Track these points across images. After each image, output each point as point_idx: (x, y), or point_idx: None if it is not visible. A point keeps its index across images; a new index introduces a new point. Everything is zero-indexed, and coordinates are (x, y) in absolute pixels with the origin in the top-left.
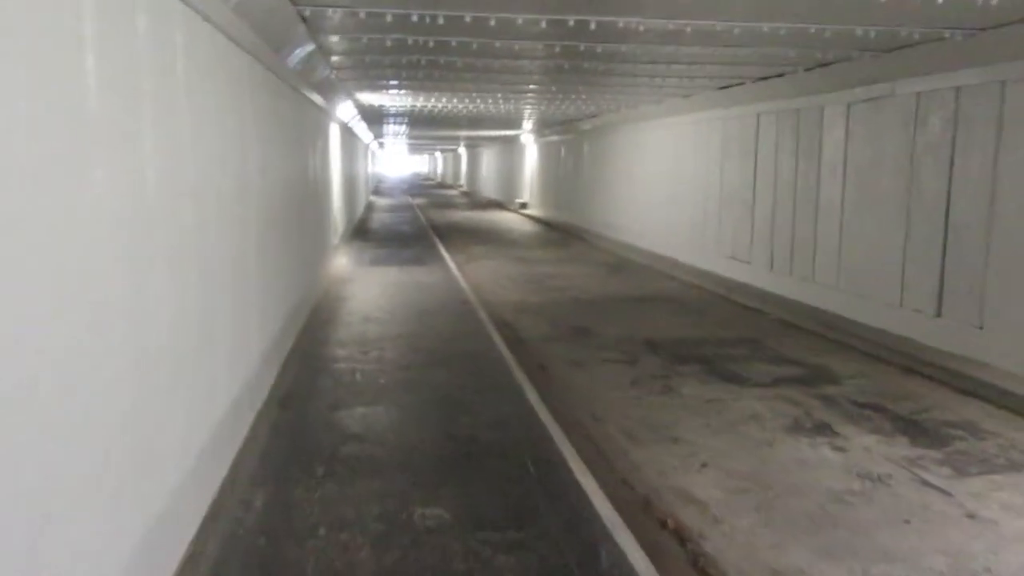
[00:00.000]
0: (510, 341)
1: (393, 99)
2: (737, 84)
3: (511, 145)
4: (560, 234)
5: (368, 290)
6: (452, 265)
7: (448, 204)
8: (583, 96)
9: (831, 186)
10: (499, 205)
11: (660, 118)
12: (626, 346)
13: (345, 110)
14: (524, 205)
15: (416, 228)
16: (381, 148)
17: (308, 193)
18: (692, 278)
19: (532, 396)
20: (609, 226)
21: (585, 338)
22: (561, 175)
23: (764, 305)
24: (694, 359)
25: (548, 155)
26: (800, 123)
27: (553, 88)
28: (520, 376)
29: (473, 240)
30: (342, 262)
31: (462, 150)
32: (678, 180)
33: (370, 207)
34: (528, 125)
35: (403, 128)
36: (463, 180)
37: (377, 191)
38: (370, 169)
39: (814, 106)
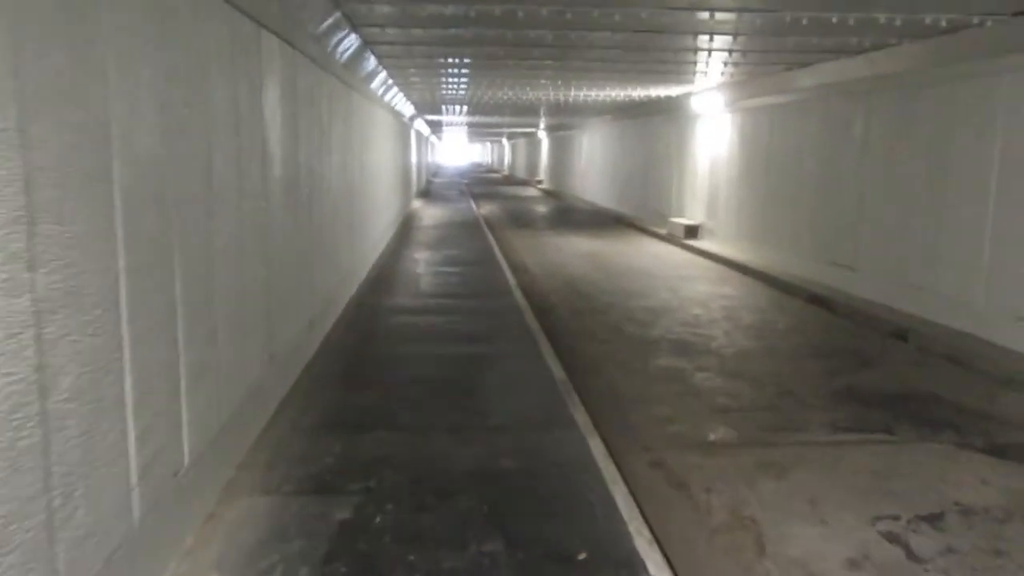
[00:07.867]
0: None
1: None
2: None
3: (659, 119)
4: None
5: None
6: None
7: (537, 221)
8: None
9: None
10: (625, 222)
11: None
12: None
13: None
14: (693, 231)
15: (503, 330)
16: (437, 137)
17: None
18: None
19: None
20: None
21: None
22: (841, 178)
23: None
24: None
25: (773, 133)
26: None
27: None
28: None
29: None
30: None
31: (542, 134)
32: None
33: (407, 226)
34: (714, 75)
35: (463, 89)
36: (543, 175)
37: (426, 193)
38: (413, 159)
39: None
